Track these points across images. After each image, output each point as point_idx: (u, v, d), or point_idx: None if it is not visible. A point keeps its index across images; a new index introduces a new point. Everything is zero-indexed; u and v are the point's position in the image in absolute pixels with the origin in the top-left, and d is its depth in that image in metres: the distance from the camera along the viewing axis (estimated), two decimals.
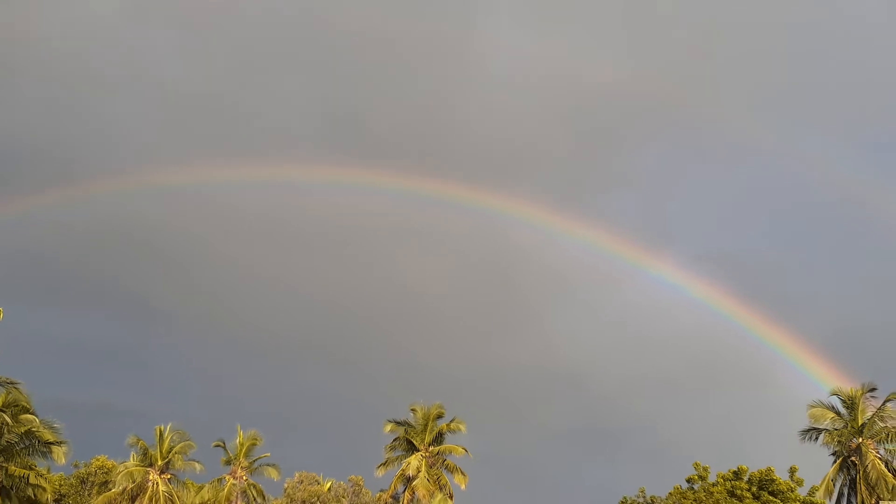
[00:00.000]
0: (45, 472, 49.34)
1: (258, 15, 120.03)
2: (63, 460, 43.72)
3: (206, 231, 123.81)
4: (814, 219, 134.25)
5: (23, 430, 40.22)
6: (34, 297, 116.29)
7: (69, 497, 55.45)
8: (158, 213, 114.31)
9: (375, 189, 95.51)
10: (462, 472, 53.11)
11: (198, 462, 53.13)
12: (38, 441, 41.22)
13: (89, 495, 54.25)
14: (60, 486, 55.69)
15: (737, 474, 48.36)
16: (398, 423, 54.36)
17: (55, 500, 53.00)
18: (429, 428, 53.65)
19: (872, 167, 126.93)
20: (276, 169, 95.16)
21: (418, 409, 54.26)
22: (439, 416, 54.19)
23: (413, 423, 54.17)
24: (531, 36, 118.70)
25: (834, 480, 44.87)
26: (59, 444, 42.30)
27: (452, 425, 54.16)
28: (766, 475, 47.21)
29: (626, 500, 51.17)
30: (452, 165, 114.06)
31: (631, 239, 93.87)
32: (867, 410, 44.17)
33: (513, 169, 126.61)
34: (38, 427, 41.14)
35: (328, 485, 61.74)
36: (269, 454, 57.17)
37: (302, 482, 60.90)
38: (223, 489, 55.17)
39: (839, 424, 44.75)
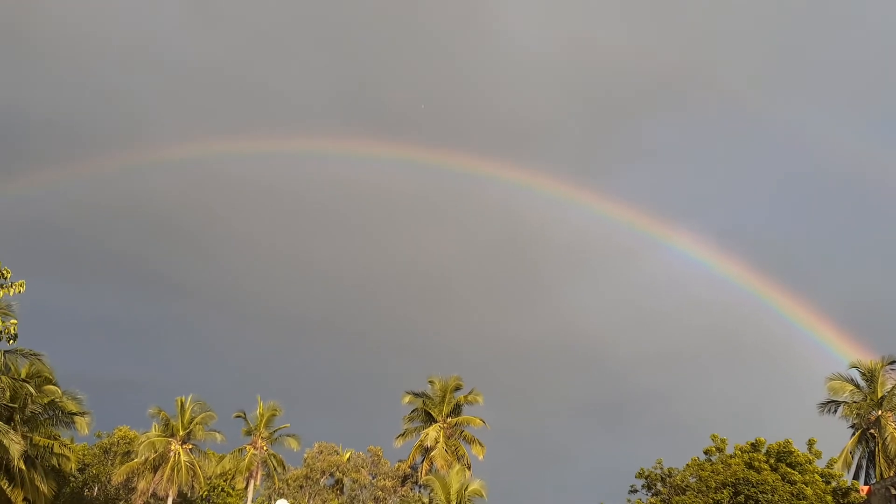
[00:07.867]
0: (68, 442, 50.13)
1: None
2: (86, 430, 44.49)
3: (224, 206, 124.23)
4: (835, 194, 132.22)
5: (46, 400, 40.81)
6: (55, 270, 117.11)
7: (93, 467, 56.25)
8: (176, 188, 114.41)
9: (390, 162, 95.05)
10: (480, 444, 53.50)
11: (218, 432, 53.80)
12: (62, 412, 41.88)
13: (112, 465, 55.02)
14: (84, 455, 56.52)
15: (754, 446, 48.19)
16: (416, 395, 54.75)
17: (79, 470, 53.79)
18: (447, 399, 54.02)
19: (893, 140, 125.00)
20: (292, 143, 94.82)
21: (436, 381, 54.58)
22: (457, 388, 54.51)
23: (431, 395, 54.53)
24: (549, 8, 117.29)
25: (852, 453, 44.84)
26: (81, 414, 42.99)
27: (470, 397, 54.49)
28: (785, 447, 47.01)
29: (644, 472, 51.24)
30: (468, 138, 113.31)
31: (648, 213, 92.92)
32: (886, 383, 44.05)
33: (529, 142, 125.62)
34: (61, 398, 41.73)
35: (347, 455, 62.34)
36: (288, 425, 57.88)
37: (321, 452, 61.50)
38: (244, 459, 55.86)
39: (858, 397, 44.61)
